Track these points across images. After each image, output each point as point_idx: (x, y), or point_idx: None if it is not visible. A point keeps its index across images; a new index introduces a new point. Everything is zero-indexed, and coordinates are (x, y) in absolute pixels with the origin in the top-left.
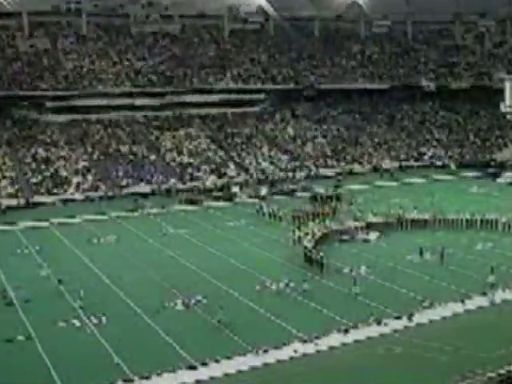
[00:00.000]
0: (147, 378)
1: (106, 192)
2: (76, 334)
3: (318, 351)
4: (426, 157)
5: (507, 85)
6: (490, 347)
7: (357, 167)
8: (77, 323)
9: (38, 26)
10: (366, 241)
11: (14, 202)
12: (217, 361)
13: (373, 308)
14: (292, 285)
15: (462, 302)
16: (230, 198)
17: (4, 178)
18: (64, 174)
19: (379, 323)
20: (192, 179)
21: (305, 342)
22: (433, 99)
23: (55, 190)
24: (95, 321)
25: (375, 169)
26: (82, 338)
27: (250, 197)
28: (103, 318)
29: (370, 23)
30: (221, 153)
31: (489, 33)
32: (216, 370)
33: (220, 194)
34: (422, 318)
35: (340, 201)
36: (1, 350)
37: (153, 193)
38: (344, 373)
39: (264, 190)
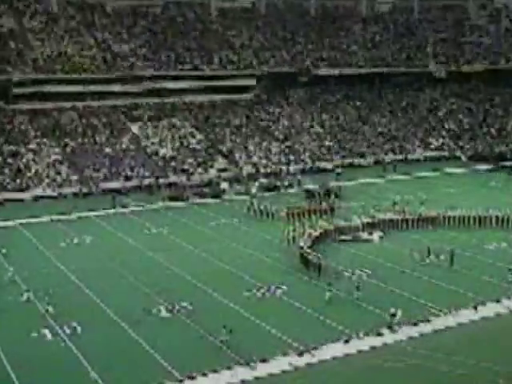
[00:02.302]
0: None
1: (80, 188)
2: (47, 345)
3: (315, 363)
4: (433, 148)
5: None
6: (504, 359)
7: (357, 160)
8: (48, 334)
9: (2, 4)
10: (368, 241)
11: None
12: (204, 374)
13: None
14: (287, 289)
15: (475, 308)
16: (217, 194)
17: None
18: (34, 168)
19: (416, 324)
20: (176, 174)
21: (301, 353)
22: (442, 84)
23: (24, 186)
24: (69, 331)
25: (378, 162)
26: (54, 351)
27: (241, 193)
28: (78, 328)
29: (372, 1)
30: (208, 144)
31: (507, 9)
32: None
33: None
34: (429, 326)
35: (338, 197)
36: None
37: (133, 189)
38: None
39: (255, 187)
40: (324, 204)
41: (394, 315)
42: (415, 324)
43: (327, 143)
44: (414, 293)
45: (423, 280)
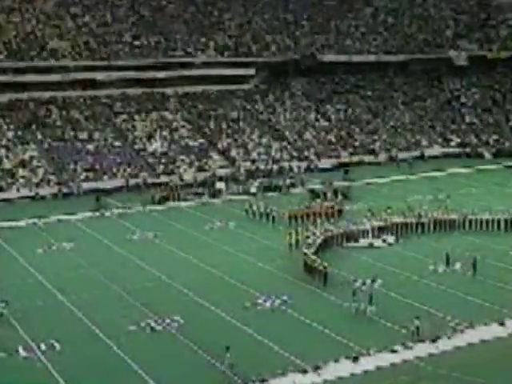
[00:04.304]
0: None
1: (60, 188)
2: (22, 365)
3: (321, 383)
4: (453, 144)
5: None
6: None
7: (368, 157)
8: (22, 352)
9: None
10: (379, 246)
11: None
12: None
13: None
14: (289, 301)
15: (502, 323)
16: (213, 195)
17: None
18: (7, 166)
19: (434, 340)
20: (166, 172)
21: (305, 371)
22: (463, 73)
23: None
24: (46, 348)
25: (391, 159)
26: (29, 371)
27: (238, 193)
28: (56, 345)
29: None
30: (202, 140)
31: None
32: None
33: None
34: (449, 342)
35: (347, 197)
36: None
37: (119, 189)
38: None
39: (255, 186)
40: (330, 205)
41: (418, 328)
42: (434, 340)
43: (334, 138)
44: (431, 305)
45: (442, 291)
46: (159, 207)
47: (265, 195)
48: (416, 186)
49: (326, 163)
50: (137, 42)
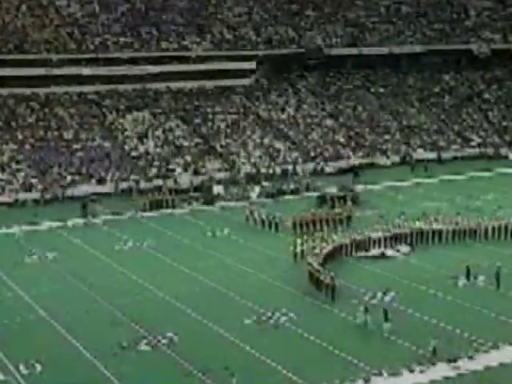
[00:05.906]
0: None
1: (43, 193)
2: None
3: None
4: (474, 144)
5: None
6: None
7: (379, 159)
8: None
9: None
10: (393, 257)
11: None
12: None
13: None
14: (294, 317)
15: None
16: (211, 200)
17: None
18: None
19: (454, 362)
20: (159, 176)
21: None
22: (485, 66)
23: None
24: (26, 371)
25: (405, 161)
26: None
27: (238, 199)
28: (38, 366)
29: None
30: (198, 140)
31: None
32: None
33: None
34: (471, 363)
35: (356, 203)
36: None
37: (107, 194)
38: None
39: (256, 191)
40: (339, 211)
41: (435, 347)
42: (454, 361)
43: (342, 139)
44: (451, 322)
45: (462, 306)
46: (151, 214)
47: (267, 201)
48: (432, 191)
49: (333, 165)
50: (127, 34)
